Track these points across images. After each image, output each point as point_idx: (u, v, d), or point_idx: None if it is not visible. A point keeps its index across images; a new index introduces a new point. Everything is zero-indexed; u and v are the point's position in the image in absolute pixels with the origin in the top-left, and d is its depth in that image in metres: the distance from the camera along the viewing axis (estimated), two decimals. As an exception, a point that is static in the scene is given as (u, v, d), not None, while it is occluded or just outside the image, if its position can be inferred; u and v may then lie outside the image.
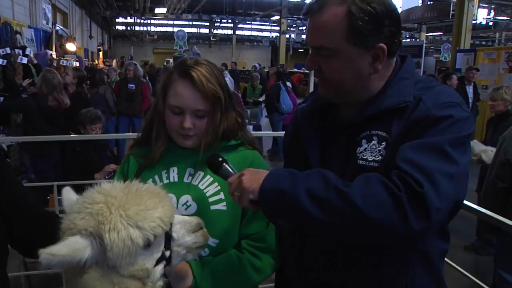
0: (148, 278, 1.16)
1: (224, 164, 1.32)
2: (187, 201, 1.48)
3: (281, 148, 8.08)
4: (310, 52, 1.34)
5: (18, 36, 9.25)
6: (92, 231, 1.06)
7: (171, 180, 1.52)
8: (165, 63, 16.18)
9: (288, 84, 9.84)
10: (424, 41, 16.56)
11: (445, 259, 1.60)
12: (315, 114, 1.45)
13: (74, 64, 8.90)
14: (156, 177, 1.53)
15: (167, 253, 1.19)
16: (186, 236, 1.22)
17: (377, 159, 1.24)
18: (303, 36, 38.66)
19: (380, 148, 1.24)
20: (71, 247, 1.02)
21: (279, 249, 1.51)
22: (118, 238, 1.06)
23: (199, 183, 1.50)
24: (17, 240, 1.42)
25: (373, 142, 1.26)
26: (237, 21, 32.61)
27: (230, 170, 1.31)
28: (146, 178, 1.51)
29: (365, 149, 1.27)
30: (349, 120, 1.35)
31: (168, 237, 1.18)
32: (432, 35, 29.38)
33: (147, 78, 9.92)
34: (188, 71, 1.45)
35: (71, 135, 4.34)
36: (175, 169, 1.54)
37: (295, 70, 25.26)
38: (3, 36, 8.36)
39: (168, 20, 32.83)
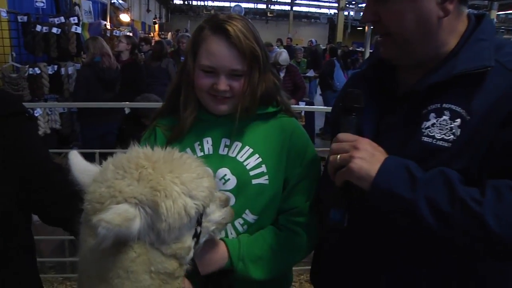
0: (188, 257, 1.02)
1: (355, 115, 1.13)
2: (225, 175, 1.35)
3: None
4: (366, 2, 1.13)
5: (76, 7, 9.40)
6: (143, 198, 0.91)
7: (206, 152, 1.38)
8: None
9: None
10: (495, 20, 15.40)
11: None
12: (370, 80, 1.25)
13: (128, 34, 8.92)
14: (188, 150, 1.38)
15: (198, 229, 1.03)
16: (216, 211, 1.09)
17: (447, 138, 1.06)
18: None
19: (452, 125, 1.06)
20: (123, 216, 0.86)
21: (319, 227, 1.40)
22: (173, 207, 0.91)
23: (237, 155, 1.37)
24: (36, 205, 1.36)
25: (444, 117, 1.07)
26: (294, -3, 31.94)
27: (354, 126, 1.13)
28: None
29: (433, 124, 1.07)
30: (411, 89, 1.13)
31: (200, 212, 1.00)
32: (505, 13, 27.35)
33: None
34: (223, 25, 1.30)
35: (116, 103, 4.30)
36: (209, 139, 1.39)
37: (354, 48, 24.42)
38: (63, 8, 8.50)
39: (225, -5, 32.66)
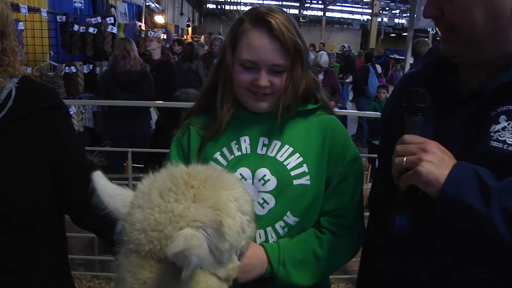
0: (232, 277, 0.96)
1: (420, 115, 1.05)
2: (265, 175, 1.27)
3: (365, 133, 7.72)
4: None
5: (112, 9, 9.59)
6: (206, 220, 0.84)
7: (243, 151, 1.31)
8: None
9: (378, 67, 9.29)
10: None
11: None
12: (427, 80, 1.13)
13: (162, 36, 9.03)
14: (225, 150, 1.32)
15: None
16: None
17: None
18: (396, 20, 37.32)
19: None
20: (197, 242, 0.78)
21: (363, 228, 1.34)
22: (234, 226, 0.88)
23: (276, 154, 1.30)
24: (68, 205, 1.35)
25: None
26: (327, 2, 31.81)
27: (419, 127, 1.04)
28: (212, 151, 1.32)
29: (503, 128, 0.96)
30: (478, 89, 1.02)
31: None
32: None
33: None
34: (265, 18, 1.23)
35: (144, 101, 4.30)
36: (247, 138, 1.32)
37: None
38: (99, 9, 8.67)
39: (258, 0, 32.83)
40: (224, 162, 1.31)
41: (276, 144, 1.31)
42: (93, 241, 3.85)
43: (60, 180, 1.30)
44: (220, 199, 0.87)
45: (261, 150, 1.31)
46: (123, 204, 0.90)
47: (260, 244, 1.27)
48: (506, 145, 0.95)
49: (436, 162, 0.94)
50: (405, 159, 0.98)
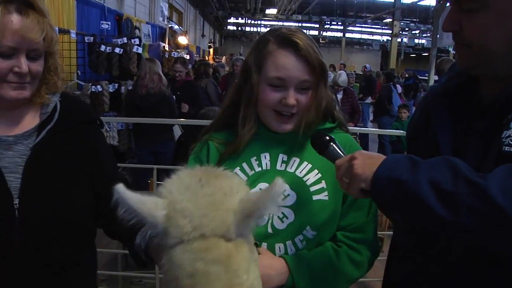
0: None
1: (331, 143, 1.18)
2: (284, 190, 1.29)
3: (388, 153, 7.64)
4: (449, 9, 1.09)
5: (136, 30, 9.84)
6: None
7: (264, 167, 1.35)
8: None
9: (398, 88, 9.28)
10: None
11: None
12: (449, 94, 1.18)
13: (184, 56, 9.18)
14: (245, 165, 1.35)
15: None
16: None
17: None
18: (416, 41, 37.22)
19: None
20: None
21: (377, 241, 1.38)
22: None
23: (295, 170, 1.33)
24: (103, 216, 1.38)
25: None
26: (347, 23, 31.96)
27: (339, 151, 1.17)
28: (232, 166, 1.33)
29: None
30: (494, 99, 1.05)
31: None
32: None
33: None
34: (291, 38, 1.28)
35: (170, 119, 4.49)
36: (267, 155, 1.36)
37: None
38: (124, 30, 8.91)
39: (278, 21, 33.15)
40: (244, 177, 1.33)
41: (295, 160, 1.34)
42: (116, 256, 3.88)
43: (96, 192, 1.36)
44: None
45: (280, 166, 1.34)
46: (155, 207, 0.89)
47: (280, 256, 1.28)
48: None
49: (367, 160, 1.03)
50: (343, 178, 1.07)
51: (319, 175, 1.32)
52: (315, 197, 1.31)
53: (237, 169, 1.34)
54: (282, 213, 1.31)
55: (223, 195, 0.89)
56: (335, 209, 1.33)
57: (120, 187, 0.90)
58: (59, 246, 1.27)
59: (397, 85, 9.61)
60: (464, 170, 0.92)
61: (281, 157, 1.35)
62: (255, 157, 1.36)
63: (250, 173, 1.34)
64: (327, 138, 1.19)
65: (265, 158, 1.36)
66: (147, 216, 0.88)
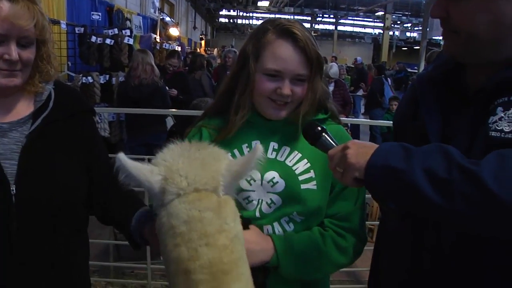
0: None
1: (323, 134, 1.17)
2: (274, 178, 1.33)
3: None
4: None
5: (127, 22, 9.76)
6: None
7: None
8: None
9: (389, 80, 9.33)
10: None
11: None
12: (437, 81, 1.19)
13: (176, 48, 9.14)
14: (236, 151, 1.37)
15: None
16: None
17: None
18: (408, 34, 37.36)
19: None
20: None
21: (364, 231, 1.39)
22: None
23: (286, 159, 1.35)
24: (97, 201, 1.43)
25: None
26: (339, 16, 31.99)
27: (331, 141, 1.16)
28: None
29: (500, 118, 1.00)
30: (481, 86, 1.06)
31: None
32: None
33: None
34: (290, 29, 1.28)
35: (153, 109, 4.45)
36: (258, 142, 1.35)
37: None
38: (115, 22, 8.86)
39: (270, 14, 33.07)
40: None
41: (285, 149, 1.36)
42: (108, 247, 3.87)
43: (91, 180, 1.39)
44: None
45: (271, 154, 1.36)
46: (151, 174, 1.02)
47: (268, 235, 1.32)
48: (503, 133, 0.98)
49: (360, 149, 1.03)
50: (337, 168, 1.07)
51: (308, 164, 1.34)
52: (303, 186, 1.33)
53: (229, 155, 1.35)
54: (271, 199, 1.33)
55: (213, 159, 1.04)
56: (323, 198, 1.35)
57: (122, 156, 1.01)
58: (55, 232, 1.28)
59: (388, 78, 9.64)
60: (457, 157, 0.93)
61: (272, 145, 1.37)
62: (246, 144, 1.37)
63: None
64: (319, 128, 1.18)
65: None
66: (144, 181, 1.01)
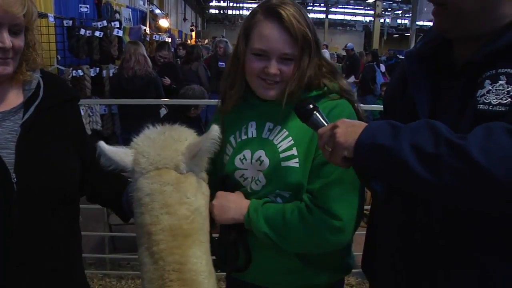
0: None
1: (315, 112, 1.19)
2: (260, 156, 1.38)
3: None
4: None
5: (116, 15, 9.68)
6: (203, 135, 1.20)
7: (249, 136, 1.44)
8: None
9: (382, 67, 9.33)
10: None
11: None
12: (425, 57, 1.19)
13: (166, 40, 9.08)
14: (237, 133, 1.46)
15: None
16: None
17: (504, 102, 0.99)
18: (399, 21, 37.35)
19: (510, 88, 0.99)
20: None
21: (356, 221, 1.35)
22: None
23: (274, 137, 1.39)
24: (88, 183, 1.48)
25: (500, 82, 1.01)
26: (329, 4, 31.89)
27: (321, 119, 1.18)
28: (228, 134, 1.46)
29: (488, 91, 1.01)
30: (468, 60, 1.07)
31: None
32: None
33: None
34: (276, 9, 1.31)
35: (154, 100, 4.57)
36: (254, 123, 1.44)
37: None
38: (104, 15, 8.77)
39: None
40: (235, 144, 1.45)
41: (277, 128, 1.39)
42: (103, 240, 3.88)
43: (84, 163, 1.43)
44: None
45: (265, 134, 1.40)
46: (125, 155, 1.18)
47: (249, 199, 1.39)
48: (491, 106, 0.99)
49: (349, 128, 1.04)
50: (325, 146, 1.08)
51: (291, 142, 1.35)
52: (283, 164, 1.35)
53: (231, 137, 1.45)
54: (258, 177, 1.39)
55: (173, 141, 1.17)
56: (305, 175, 1.35)
57: (101, 143, 1.17)
58: (55, 218, 1.31)
59: (381, 64, 9.65)
60: (445, 131, 0.93)
61: (268, 125, 1.41)
62: (244, 125, 1.44)
63: (238, 140, 1.44)
64: (311, 106, 1.20)
65: (251, 126, 1.43)
66: (120, 162, 1.17)
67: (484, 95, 1.02)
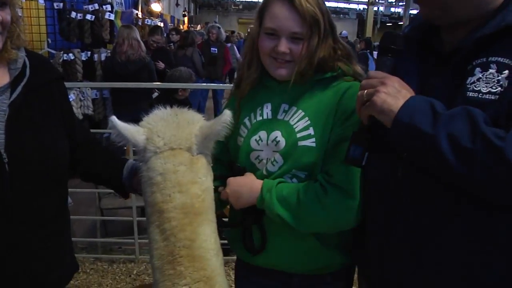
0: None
1: (390, 56, 1.15)
2: (277, 137, 1.40)
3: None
4: None
5: (108, -2, 9.56)
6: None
7: (264, 117, 1.46)
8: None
9: (375, 54, 9.31)
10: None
11: None
12: (413, 42, 1.21)
13: (159, 24, 8.99)
14: (252, 115, 1.49)
15: None
16: None
17: (494, 90, 1.01)
18: (392, 10, 37.18)
19: (500, 77, 1.01)
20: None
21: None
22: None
23: (290, 118, 1.41)
24: (79, 162, 1.50)
25: (491, 70, 1.03)
26: (323, -9, 31.68)
27: (387, 66, 1.13)
28: (243, 115, 1.50)
29: (478, 79, 1.03)
30: (457, 45, 1.08)
31: None
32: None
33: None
34: None
35: (141, 83, 4.46)
36: (269, 105, 1.47)
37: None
38: (95, -2, 8.65)
39: (253, -10, 32.71)
40: (249, 126, 1.47)
41: (293, 109, 1.42)
42: (95, 224, 3.89)
43: (74, 141, 1.45)
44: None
45: (281, 115, 1.43)
46: (137, 133, 1.20)
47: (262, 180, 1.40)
48: (481, 94, 1.02)
49: (392, 93, 1.03)
50: (365, 92, 1.07)
51: (308, 122, 1.38)
52: (300, 143, 1.37)
53: (246, 119, 1.48)
54: (274, 158, 1.40)
55: (187, 123, 1.20)
56: (321, 155, 1.37)
57: (114, 118, 1.20)
58: (46, 198, 1.32)
59: (374, 51, 9.65)
60: (482, 124, 0.94)
61: (283, 106, 1.44)
62: (259, 107, 1.47)
63: (253, 121, 1.46)
64: (393, 47, 1.15)
65: (267, 108, 1.46)
66: (131, 139, 1.19)
67: (474, 82, 1.03)
